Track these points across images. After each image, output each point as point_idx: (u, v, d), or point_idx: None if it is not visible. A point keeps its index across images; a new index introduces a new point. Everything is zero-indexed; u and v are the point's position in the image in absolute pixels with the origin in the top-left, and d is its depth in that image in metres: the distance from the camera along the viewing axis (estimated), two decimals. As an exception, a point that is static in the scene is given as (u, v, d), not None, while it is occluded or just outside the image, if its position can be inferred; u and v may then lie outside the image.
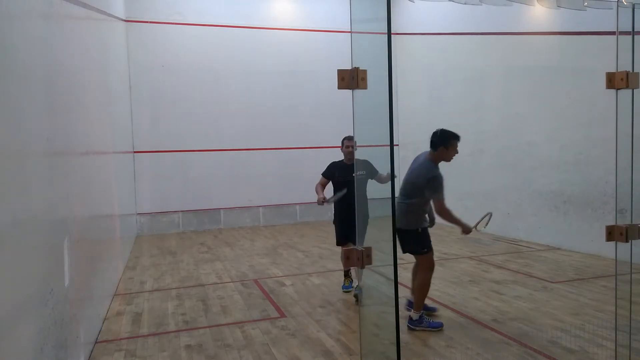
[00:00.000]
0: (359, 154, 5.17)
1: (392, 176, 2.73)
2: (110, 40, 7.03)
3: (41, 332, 2.46)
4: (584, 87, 7.05)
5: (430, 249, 4.34)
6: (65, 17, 3.65)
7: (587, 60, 6.89)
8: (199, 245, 9.00)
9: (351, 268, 5.39)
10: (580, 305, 4.83)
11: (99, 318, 4.58)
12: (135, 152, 10.24)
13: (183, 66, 10.59)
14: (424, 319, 4.28)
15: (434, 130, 4.25)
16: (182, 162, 10.68)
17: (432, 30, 10.75)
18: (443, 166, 4.26)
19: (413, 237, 4.28)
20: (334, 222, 5.44)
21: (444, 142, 4.17)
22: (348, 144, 5.13)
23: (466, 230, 4.28)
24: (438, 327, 4.25)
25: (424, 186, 4.17)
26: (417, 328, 4.25)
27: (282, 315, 4.81)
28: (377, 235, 3.63)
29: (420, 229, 4.29)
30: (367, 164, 4.60)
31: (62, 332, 2.91)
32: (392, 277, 2.53)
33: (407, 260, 7.22)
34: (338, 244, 5.38)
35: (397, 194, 4.41)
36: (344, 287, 5.55)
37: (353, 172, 4.82)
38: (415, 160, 4.44)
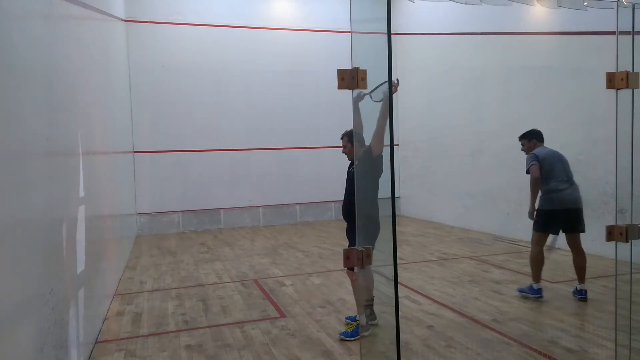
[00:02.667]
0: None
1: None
2: (110, 40, 7.02)
3: (41, 332, 2.47)
4: (584, 87, 7.05)
5: None
6: (65, 17, 3.65)
7: (587, 60, 6.89)
8: (199, 245, 9.00)
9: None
10: (580, 305, 4.83)
11: (99, 318, 4.58)
12: (135, 152, 10.25)
13: (183, 66, 10.60)
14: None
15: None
16: (182, 162, 10.69)
17: (432, 30, 10.75)
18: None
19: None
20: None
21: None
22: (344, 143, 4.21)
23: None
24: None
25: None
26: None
27: (282, 315, 4.81)
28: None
29: None
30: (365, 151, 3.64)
31: (62, 332, 2.91)
32: (392, 277, 2.52)
33: (407, 260, 7.23)
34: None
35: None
36: (347, 333, 4.12)
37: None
38: (550, 151, 5.17)
